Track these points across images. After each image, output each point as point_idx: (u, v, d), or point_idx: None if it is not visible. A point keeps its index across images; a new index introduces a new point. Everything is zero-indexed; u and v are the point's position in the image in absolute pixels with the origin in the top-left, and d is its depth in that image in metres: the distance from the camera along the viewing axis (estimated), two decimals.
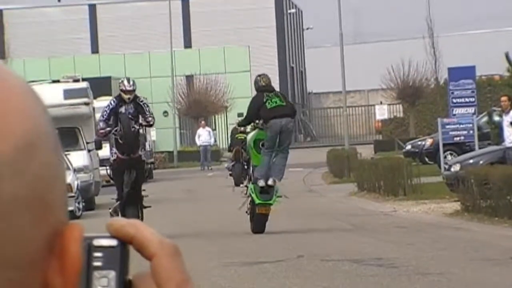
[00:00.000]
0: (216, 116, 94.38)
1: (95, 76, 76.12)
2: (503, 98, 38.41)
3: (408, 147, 62.91)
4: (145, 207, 30.93)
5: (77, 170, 42.17)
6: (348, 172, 54.89)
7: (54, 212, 1.47)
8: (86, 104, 49.85)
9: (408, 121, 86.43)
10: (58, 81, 52.13)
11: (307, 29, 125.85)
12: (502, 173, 32.43)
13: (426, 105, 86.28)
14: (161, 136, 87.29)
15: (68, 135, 45.87)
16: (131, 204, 30.04)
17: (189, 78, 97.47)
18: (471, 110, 46.75)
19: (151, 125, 32.39)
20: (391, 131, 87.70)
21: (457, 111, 46.79)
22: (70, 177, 39.63)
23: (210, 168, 73.93)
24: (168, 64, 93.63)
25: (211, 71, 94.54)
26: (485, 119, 49.62)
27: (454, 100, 47.34)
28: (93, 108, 50.32)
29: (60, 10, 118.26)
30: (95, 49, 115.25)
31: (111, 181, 34.49)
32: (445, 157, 45.73)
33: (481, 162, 38.18)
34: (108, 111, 30.09)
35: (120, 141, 29.76)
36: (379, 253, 25.45)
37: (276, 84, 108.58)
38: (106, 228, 1.54)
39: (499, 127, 38.47)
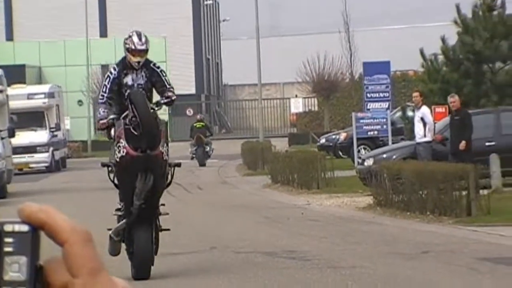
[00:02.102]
0: None
1: (9, 64, 75.79)
2: (415, 94, 38.66)
3: (322, 140, 63.11)
4: (162, 230, 20.06)
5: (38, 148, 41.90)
6: (262, 164, 55.00)
7: None
8: (0, 91, 49.81)
9: (322, 115, 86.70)
10: None
11: (224, 21, 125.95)
12: (414, 168, 32.68)
13: (340, 99, 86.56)
14: (75, 125, 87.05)
15: None
16: (143, 223, 19.27)
17: (104, 68, 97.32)
18: (385, 105, 47.02)
19: (172, 102, 20.56)
20: (305, 124, 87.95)
21: (371, 105, 47.04)
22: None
23: None
24: (83, 53, 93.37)
25: None
26: (399, 114, 49.97)
27: (369, 95, 47.58)
28: (7, 96, 50.31)
29: None
30: (9, 37, 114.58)
31: (115, 185, 21.10)
32: (358, 151, 45.99)
33: (394, 157, 38.40)
34: (108, 86, 19.78)
35: (134, 131, 19.14)
36: (292, 246, 25.52)
37: (191, 75, 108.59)
38: (18, 214, 1.54)
39: (412, 122, 38.73)
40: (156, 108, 19.88)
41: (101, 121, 20.18)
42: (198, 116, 68.04)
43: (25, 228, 1.52)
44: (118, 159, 19.28)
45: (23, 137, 55.49)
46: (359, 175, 40.09)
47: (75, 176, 57.68)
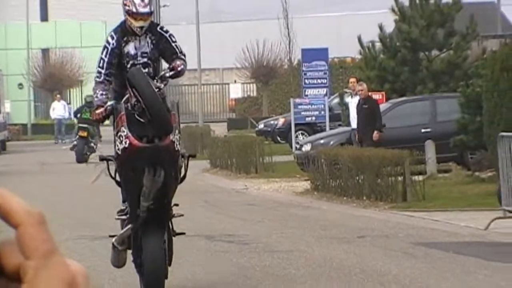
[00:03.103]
0: (71, 90, 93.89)
1: None
2: (352, 80, 38.85)
3: (261, 126, 63.09)
4: (177, 234, 16.38)
5: None
6: (202, 149, 54.96)
7: None
8: None
9: (261, 101, 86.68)
10: None
11: (164, 6, 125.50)
12: (351, 154, 32.80)
13: (279, 85, 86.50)
14: (15, 108, 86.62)
15: None
16: (153, 228, 15.40)
17: (45, 52, 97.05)
18: (323, 91, 47.06)
19: (180, 74, 16.20)
20: (244, 109, 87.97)
21: (309, 92, 47.06)
22: None
23: (64, 141, 73.53)
24: (24, 36, 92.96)
25: (67, 45, 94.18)
26: (337, 100, 50.07)
27: (307, 81, 47.58)
28: None
29: None
30: None
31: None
32: (296, 136, 46.05)
33: (331, 142, 38.50)
34: (105, 60, 15.80)
35: (139, 118, 15.20)
36: (230, 229, 25.56)
37: None
38: None
39: (348, 108, 38.87)
40: (161, 86, 15.83)
41: (97, 111, 15.64)
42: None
43: None
44: (119, 152, 15.14)
45: None
46: (296, 160, 40.18)
47: (14, 159, 57.44)
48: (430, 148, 35.59)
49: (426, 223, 25.92)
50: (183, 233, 16.59)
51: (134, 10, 15.52)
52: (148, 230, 15.17)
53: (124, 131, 14.97)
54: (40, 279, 1.52)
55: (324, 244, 23.09)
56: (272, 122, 61.92)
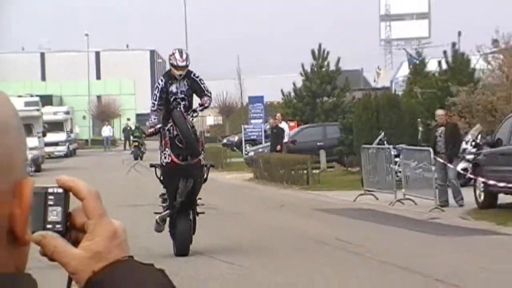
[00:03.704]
0: (114, 120, 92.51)
1: None
2: (278, 115, 38.86)
3: (224, 141, 63.04)
4: (198, 214, 15.81)
5: (31, 148, 41.73)
6: None
7: (16, 169, 1.46)
8: (37, 110, 50.46)
9: (225, 125, 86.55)
10: None
11: (160, 61, 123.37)
12: (277, 157, 32.89)
13: (235, 117, 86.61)
14: (81, 130, 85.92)
15: (27, 128, 46.20)
16: (183, 212, 15.32)
17: (99, 97, 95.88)
18: (260, 121, 46.97)
19: (206, 108, 15.98)
20: (215, 131, 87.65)
21: (253, 121, 47.00)
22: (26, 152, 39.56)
23: (110, 150, 73.36)
24: (86, 87, 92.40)
25: (112, 93, 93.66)
26: (268, 126, 50.18)
27: (251, 115, 47.50)
28: (42, 112, 51.17)
29: None
30: None
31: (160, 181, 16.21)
32: (245, 147, 46.03)
33: (265, 151, 38.57)
34: (158, 94, 15.33)
35: (178, 143, 14.93)
36: (209, 201, 25.43)
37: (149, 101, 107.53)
38: (56, 182, 1.53)
39: (283, 132, 38.81)
40: (194, 116, 15.30)
41: (150, 130, 15.69)
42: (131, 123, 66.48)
43: (60, 190, 1.52)
44: (164, 164, 14.99)
45: (51, 137, 55.26)
46: (245, 161, 40.31)
47: (80, 160, 57.15)
48: (322, 154, 35.75)
49: (320, 197, 25.99)
50: (202, 213, 15.52)
51: (175, 63, 14.92)
52: (180, 214, 14.87)
53: (167, 151, 14.68)
54: (96, 230, 1.51)
55: (262, 210, 23.07)
56: (231, 138, 61.76)
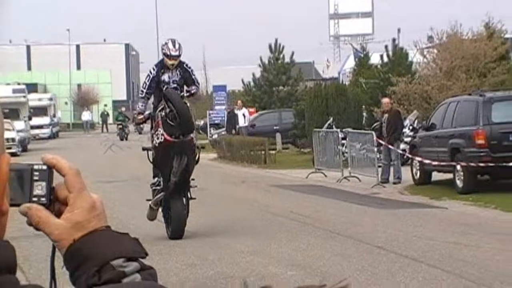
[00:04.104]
0: (93, 106, 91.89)
1: None
2: (239, 102, 38.74)
3: None
4: (192, 199, 14.20)
5: (18, 131, 41.43)
6: None
7: None
8: (24, 97, 50.45)
9: (193, 111, 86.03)
10: None
11: (141, 62, 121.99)
12: (238, 139, 32.87)
13: (202, 104, 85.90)
14: (63, 115, 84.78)
15: (15, 112, 46.00)
16: (177, 195, 13.69)
17: (79, 85, 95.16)
18: (223, 107, 46.77)
19: (192, 95, 14.59)
20: None
21: (217, 107, 46.74)
22: (14, 134, 39.26)
23: (89, 133, 72.86)
24: (67, 77, 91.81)
25: (91, 82, 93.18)
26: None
27: (215, 102, 47.26)
28: (27, 99, 51.04)
29: None
30: None
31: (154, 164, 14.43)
32: (210, 130, 45.85)
33: (227, 133, 38.53)
34: (148, 83, 13.91)
35: (171, 122, 13.23)
36: None
37: (124, 89, 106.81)
38: (41, 160, 1.52)
39: (237, 116, 38.73)
40: (187, 100, 13.96)
41: (139, 117, 14.02)
42: (123, 109, 66.19)
43: (44, 167, 1.51)
44: (157, 144, 13.23)
45: (36, 120, 54.88)
46: (210, 142, 40.18)
47: (63, 141, 56.72)
48: (278, 137, 35.81)
49: (276, 175, 26.06)
50: (194, 198, 13.99)
51: (168, 53, 13.49)
52: (175, 196, 13.33)
53: (160, 131, 13.05)
54: (76, 203, 1.51)
55: (225, 186, 23.10)
56: (197, 122, 61.37)
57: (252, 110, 40.23)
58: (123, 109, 65.30)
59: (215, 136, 39.93)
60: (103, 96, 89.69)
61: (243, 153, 31.36)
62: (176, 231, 13.30)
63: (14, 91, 49.98)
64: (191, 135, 13.34)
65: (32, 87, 68.60)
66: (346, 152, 23.93)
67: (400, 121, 22.83)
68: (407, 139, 23.65)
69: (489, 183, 18.69)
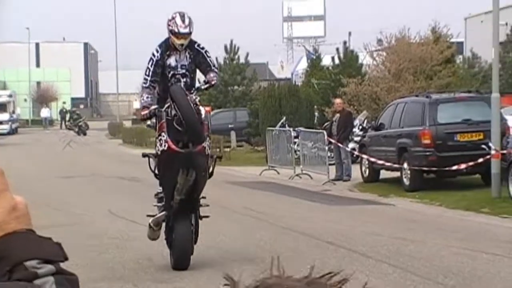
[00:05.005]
0: (51, 103, 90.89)
1: None
2: None
3: (149, 122, 62.09)
4: (202, 218, 10.68)
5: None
6: (118, 133, 53.91)
7: None
8: None
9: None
10: None
11: (100, 61, 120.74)
12: None
13: None
14: (22, 111, 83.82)
15: None
16: (182, 216, 10.35)
17: (38, 83, 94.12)
18: None
19: (211, 86, 10.85)
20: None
21: None
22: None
23: (47, 129, 72.26)
24: (27, 75, 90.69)
25: (51, 80, 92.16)
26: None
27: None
28: None
29: None
30: None
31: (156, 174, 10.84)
32: None
33: None
34: (151, 68, 10.39)
35: (176, 126, 10.09)
36: (134, 172, 25.32)
37: (82, 87, 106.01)
38: None
39: None
40: (197, 99, 10.52)
41: (143, 112, 10.58)
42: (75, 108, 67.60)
43: None
44: (159, 152, 10.21)
45: None
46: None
47: (22, 137, 56.09)
48: (233, 135, 35.77)
49: (231, 172, 25.97)
50: (207, 216, 10.59)
51: (176, 30, 10.27)
52: (179, 216, 10.23)
53: (164, 136, 10.07)
54: None
55: None
56: (154, 120, 61.09)
57: (208, 108, 40.06)
58: (75, 108, 65.87)
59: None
60: (62, 94, 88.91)
61: None
62: (180, 261, 10.28)
63: None
64: (204, 143, 10.16)
65: None
66: (298, 150, 23.99)
67: (350, 121, 22.96)
68: (357, 138, 23.78)
69: (434, 181, 18.87)
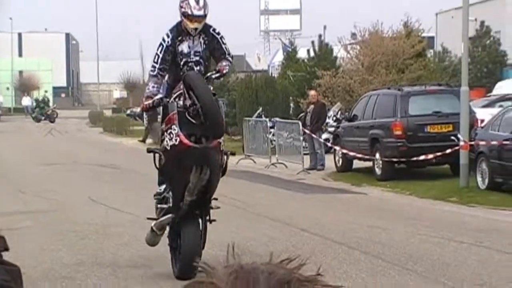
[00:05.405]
0: (33, 92, 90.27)
1: None
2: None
3: (128, 111, 61.17)
4: (211, 221, 9.03)
5: None
6: (99, 122, 53.62)
7: None
8: None
9: (129, 99, 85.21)
10: None
11: (81, 51, 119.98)
12: None
13: (138, 92, 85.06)
14: (5, 99, 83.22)
15: None
16: (191, 219, 8.75)
17: (20, 72, 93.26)
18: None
19: (223, 76, 9.31)
20: (120, 103, 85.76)
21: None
22: None
23: (28, 117, 71.80)
24: (9, 64, 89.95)
25: (33, 69, 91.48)
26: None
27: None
28: None
29: None
30: None
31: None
32: (146, 117, 45.32)
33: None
34: (161, 55, 8.81)
35: (190, 118, 8.40)
36: (113, 159, 25.26)
37: (64, 77, 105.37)
38: None
39: None
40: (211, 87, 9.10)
41: (146, 102, 8.91)
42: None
43: None
44: (168, 147, 8.65)
45: None
46: (146, 129, 39.75)
47: (5, 124, 55.56)
48: None
49: None
50: (214, 220, 9.10)
51: (189, 12, 8.85)
52: (187, 220, 8.77)
53: (175, 129, 8.52)
54: None
55: (152, 167, 22.87)
56: (134, 110, 60.51)
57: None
58: (49, 94, 66.30)
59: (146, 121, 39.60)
60: (43, 83, 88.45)
61: None
62: (186, 269, 8.69)
63: None
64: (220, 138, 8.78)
65: None
66: (274, 140, 24.00)
67: (324, 112, 23.01)
68: (331, 129, 23.83)
69: (405, 171, 18.96)
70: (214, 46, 9.09)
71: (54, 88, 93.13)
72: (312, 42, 34.70)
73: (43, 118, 58.89)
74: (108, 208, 14.67)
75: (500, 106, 22.20)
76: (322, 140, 22.19)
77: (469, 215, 13.75)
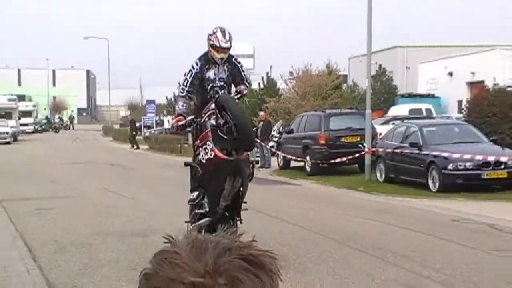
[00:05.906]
0: (64, 111, 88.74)
1: None
2: (164, 111, 37.90)
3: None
4: (241, 221, 7.64)
5: (11, 127, 41.02)
6: (109, 133, 52.83)
7: None
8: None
9: (132, 117, 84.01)
10: None
11: (98, 83, 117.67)
12: (163, 136, 32.25)
13: (138, 112, 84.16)
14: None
15: (9, 114, 46.08)
16: (227, 219, 7.44)
17: (54, 97, 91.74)
18: (154, 115, 45.56)
19: (243, 97, 7.76)
20: (125, 120, 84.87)
21: (149, 114, 45.48)
22: (8, 129, 40.06)
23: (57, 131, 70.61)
24: (46, 91, 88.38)
25: (63, 95, 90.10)
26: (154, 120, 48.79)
27: (148, 111, 46.04)
28: None
29: None
30: None
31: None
32: (144, 130, 44.79)
33: (156, 132, 37.75)
34: (190, 79, 7.36)
35: (222, 135, 6.98)
36: (119, 160, 24.83)
37: (84, 98, 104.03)
38: None
39: (163, 121, 37.97)
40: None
41: (179, 123, 7.66)
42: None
43: None
44: (204, 161, 7.50)
45: (23, 120, 55.62)
46: (144, 138, 39.34)
47: (42, 135, 54.66)
48: (190, 136, 35.29)
49: (188, 160, 25.76)
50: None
51: (218, 45, 7.66)
52: (222, 221, 7.65)
53: (210, 145, 7.39)
54: None
55: (151, 168, 22.68)
56: (137, 125, 60.07)
57: (173, 117, 39.72)
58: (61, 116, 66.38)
59: (147, 133, 39.40)
60: (70, 105, 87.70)
61: (166, 146, 31.00)
62: None
63: (9, 100, 50.83)
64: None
65: (20, 97, 66.47)
66: None
67: (270, 127, 23.11)
68: (275, 139, 23.91)
69: (327, 169, 19.10)
70: (235, 73, 8.00)
71: (78, 109, 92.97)
72: (262, 78, 34.81)
73: (60, 129, 60.70)
74: (117, 195, 14.46)
75: (393, 123, 22.53)
76: (268, 147, 22.27)
77: (372, 200, 13.89)
